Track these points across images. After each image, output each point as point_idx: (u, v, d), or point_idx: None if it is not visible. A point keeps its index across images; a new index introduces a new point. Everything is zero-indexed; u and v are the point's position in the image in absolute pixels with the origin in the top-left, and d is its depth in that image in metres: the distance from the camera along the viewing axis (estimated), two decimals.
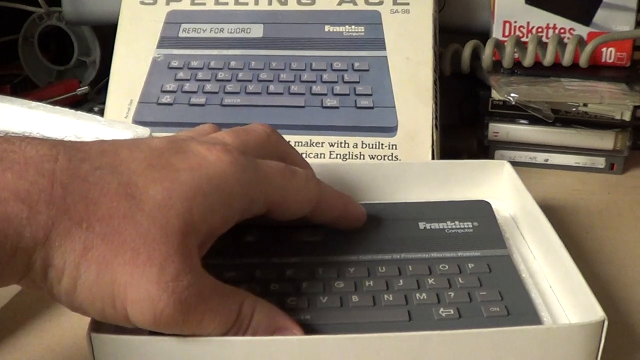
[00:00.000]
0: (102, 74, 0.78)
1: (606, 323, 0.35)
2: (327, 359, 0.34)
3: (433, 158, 0.57)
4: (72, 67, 0.81)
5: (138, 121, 0.60)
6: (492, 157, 0.66)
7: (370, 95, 0.59)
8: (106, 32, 0.75)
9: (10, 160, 0.31)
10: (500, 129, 0.66)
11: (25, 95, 0.73)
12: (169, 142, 0.36)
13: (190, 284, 0.33)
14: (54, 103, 0.74)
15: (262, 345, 0.34)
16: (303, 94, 0.60)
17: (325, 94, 0.59)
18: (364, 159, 0.58)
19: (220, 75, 0.61)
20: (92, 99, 0.77)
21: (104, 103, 0.65)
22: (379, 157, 0.57)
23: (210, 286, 0.34)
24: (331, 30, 0.62)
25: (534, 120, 0.64)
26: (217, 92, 0.60)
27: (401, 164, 0.55)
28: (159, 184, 0.33)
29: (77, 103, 0.77)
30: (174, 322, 0.33)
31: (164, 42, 0.63)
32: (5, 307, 0.45)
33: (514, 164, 0.64)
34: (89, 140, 0.35)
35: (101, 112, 0.67)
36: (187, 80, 0.61)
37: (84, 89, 0.77)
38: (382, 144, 0.57)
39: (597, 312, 0.35)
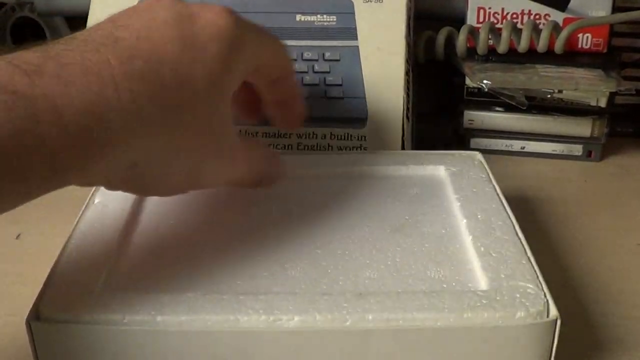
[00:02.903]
0: None
1: (559, 322, 0.36)
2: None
3: (403, 149, 0.58)
4: None
5: None
6: (467, 145, 0.68)
7: (341, 85, 0.60)
8: (79, 23, 0.75)
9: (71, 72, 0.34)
10: (476, 117, 0.67)
11: None
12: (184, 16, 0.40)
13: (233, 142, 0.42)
14: None
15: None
16: None
17: None
18: (332, 149, 0.59)
19: None
20: None
21: None
22: (348, 149, 0.59)
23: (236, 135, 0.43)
24: (302, 19, 0.63)
25: (510, 108, 0.65)
26: None
27: (368, 154, 0.56)
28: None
29: None
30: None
31: None
32: None
33: (490, 152, 0.67)
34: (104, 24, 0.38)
35: None
36: None
37: None
38: (351, 136, 0.59)
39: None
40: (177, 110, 0.37)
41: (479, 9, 0.67)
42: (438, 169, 0.52)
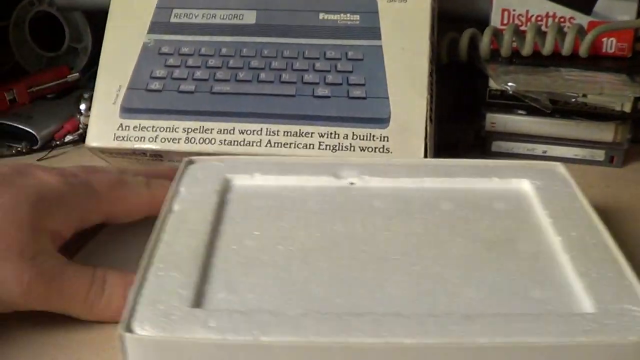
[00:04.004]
0: (93, 60, 0.80)
1: None
2: None
3: (426, 152, 0.59)
4: (63, 53, 0.82)
5: (126, 108, 0.62)
6: (489, 149, 0.68)
7: (363, 85, 0.60)
8: (98, 18, 0.76)
9: None
10: (498, 120, 0.67)
11: (14, 82, 0.75)
12: (13, 168, 0.46)
13: (47, 259, 0.42)
14: (44, 90, 0.76)
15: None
16: (294, 82, 0.61)
17: (317, 83, 0.61)
18: (354, 150, 0.59)
19: (211, 62, 0.63)
20: (83, 86, 0.78)
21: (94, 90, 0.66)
22: (370, 149, 0.59)
23: (66, 262, 0.43)
24: (326, 18, 0.63)
25: (533, 111, 0.66)
26: (207, 79, 0.62)
27: (441, 164, 0.54)
28: (7, 195, 0.43)
29: (68, 90, 0.78)
30: (41, 294, 0.42)
31: (155, 28, 0.65)
32: None
33: (511, 155, 0.67)
34: None
35: (91, 100, 0.69)
36: (177, 66, 0.63)
37: (74, 75, 0.79)
38: (373, 136, 0.59)
39: None
40: None
41: (503, 10, 0.67)
42: (522, 182, 0.51)
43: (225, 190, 0.50)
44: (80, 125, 0.71)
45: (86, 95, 0.71)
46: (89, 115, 0.68)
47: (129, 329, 0.36)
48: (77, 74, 0.79)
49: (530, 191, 0.50)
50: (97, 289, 0.43)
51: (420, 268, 0.42)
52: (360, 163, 0.53)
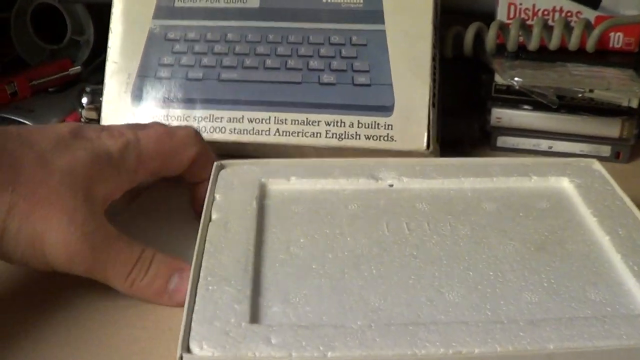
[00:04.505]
0: (96, 53, 0.80)
1: None
2: None
3: (429, 138, 0.59)
4: (66, 46, 0.82)
5: (138, 96, 0.63)
6: (494, 144, 0.68)
7: (368, 71, 0.61)
8: (100, 11, 0.76)
9: None
10: (504, 115, 0.67)
11: (16, 75, 0.74)
12: (70, 131, 0.47)
13: (96, 229, 0.43)
14: (46, 83, 0.76)
15: None
16: (300, 69, 0.62)
17: (322, 70, 0.61)
18: (359, 139, 0.60)
19: (217, 48, 0.63)
20: (86, 79, 0.78)
21: (97, 83, 0.67)
22: (375, 137, 0.59)
23: (115, 233, 0.44)
24: (328, 1, 0.63)
25: (538, 106, 0.65)
26: (214, 66, 0.63)
27: (478, 162, 0.55)
28: (64, 158, 0.44)
29: (70, 83, 0.78)
30: (85, 261, 0.43)
31: (159, 12, 0.65)
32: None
33: (517, 151, 0.67)
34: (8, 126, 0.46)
35: (93, 93, 0.69)
36: (184, 53, 0.64)
37: (76, 68, 0.79)
38: (378, 124, 0.59)
39: None
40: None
41: (509, 4, 0.67)
42: (561, 180, 0.51)
43: (262, 195, 0.49)
44: (82, 119, 0.71)
45: (88, 89, 0.71)
46: (90, 109, 0.69)
47: (187, 349, 0.36)
48: (79, 67, 0.79)
49: (570, 189, 0.51)
50: (141, 267, 0.44)
51: (475, 273, 0.42)
52: (396, 164, 0.52)
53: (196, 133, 0.52)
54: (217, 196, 0.48)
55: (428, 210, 0.48)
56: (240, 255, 0.42)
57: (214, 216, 0.46)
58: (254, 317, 0.37)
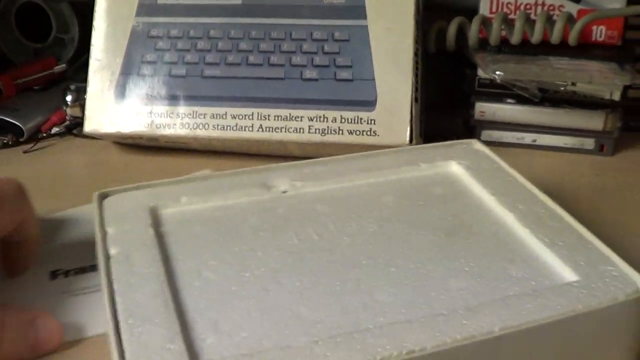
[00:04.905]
0: (80, 51, 0.80)
1: None
2: None
3: (412, 133, 0.59)
4: (50, 44, 0.83)
5: (121, 93, 0.64)
6: (478, 137, 0.68)
7: (350, 67, 0.61)
8: (85, 9, 0.76)
9: None
10: (487, 109, 0.68)
11: (0, 74, 0.75)
12: None
13: None
14: (31, 81, 0.76)
15: None
16: (283, 65, 0.62)
17: (305, 66, 0.62)
18: (342, 134, 0.60)
19: (200, 45, 0.64)
20: (71, 77, 0.78)
21: (82, 81, 0.68)
22: (358, 132, 0.60)
23: None
24: None
25: (522, 100, 0.66)
26: (197, 63, 0.63)
27: (369, 156, 0.54)
28: None
29: (55, 81, 0.79)
30: None
31: (142, 10, 0.66)
32: None
33: (501, 144, 0.67)
34: None
35: (77, 91, 0.69)
36: (167, 50, 0.64)
37: (61, 66, 0.79)
38: (361, 119, 0.60)
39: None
40: None
41: None
42: (449, 164, 0.52)
43: (157, 222, 0.46)
44: (67, 117, 0.71)
45: (72, 87, 0.71)
46: (75, 107, 0.69)
47: None
48: (64, 65, 0.80)
49: (460, 172, 0.51)
50: None
51: (397, 269, 0.41)
52: (285, 169, 0.51)
53: (21, 190, 0.45)
54: (109, 229, 0.44)
55: (330, 212, 0.47)
56: (154, 290, 0.39)
57: (112, 252, 0.42)
58: (192, 354, 0.35)
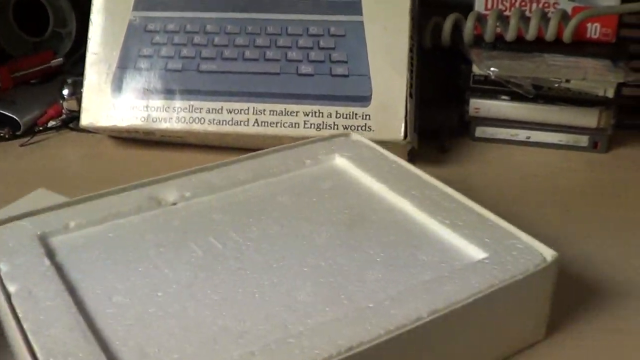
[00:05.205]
0: (78, 45, 0.80)
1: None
2: None
3: (406, 128, 0.60)
4: (48, 38, 0.83)
5: (117, 87, 0.64)
6: (472, 133, 0.68)
7: (346, 62, 0.62)
8: (83, 3, 0.76)
9: None
10: (482, 105, 0.68)
11: None
12: None
13: None
14: (28, 75, 0.77)
15: None
16: (278, 60, 0.63)
17: (301, 61, 0.62)
18: (337, 129, 0.61)
19: (197, 39, 0.64)
20: (68, 71, 0.79)
21: (78, 75, 0.68)
22: (353, 128, 0.60)
23: None
24: None
25: (516, 97, 0.67)
26: (193, 57, 0.64)
27: (251, 159, 0.53)
28: None
29: (52, 75, 0.79)
30: None
31: (139, 4, 0.66)
32: None
33: (495, 141, 0.67)
34: None
35: (74, 84, 0.70)
36: (164, 44, 0.65)
37: (58, 60, 0.80)
38: (356, 114, 0.60)
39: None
40: None
41: None
42: (332, 157, 0.53)
43: (50, 252, 0.43)
44: (64, 111, 0.72)
45: (69, 81, 0.72)
46: (72, 100, 0.70)
47: None
48: (61, 58, 0.80)
49: (345, 164, 0.52)
50: None
51: (309, 267, 0.41)
52: (171, 179, 0.50)
53: None
54: (1, 266, 0.41)
55: (227, 219, 0.46)
56: (67, 323, 0.36)
57: (11, 289, 0.39)
58: None
